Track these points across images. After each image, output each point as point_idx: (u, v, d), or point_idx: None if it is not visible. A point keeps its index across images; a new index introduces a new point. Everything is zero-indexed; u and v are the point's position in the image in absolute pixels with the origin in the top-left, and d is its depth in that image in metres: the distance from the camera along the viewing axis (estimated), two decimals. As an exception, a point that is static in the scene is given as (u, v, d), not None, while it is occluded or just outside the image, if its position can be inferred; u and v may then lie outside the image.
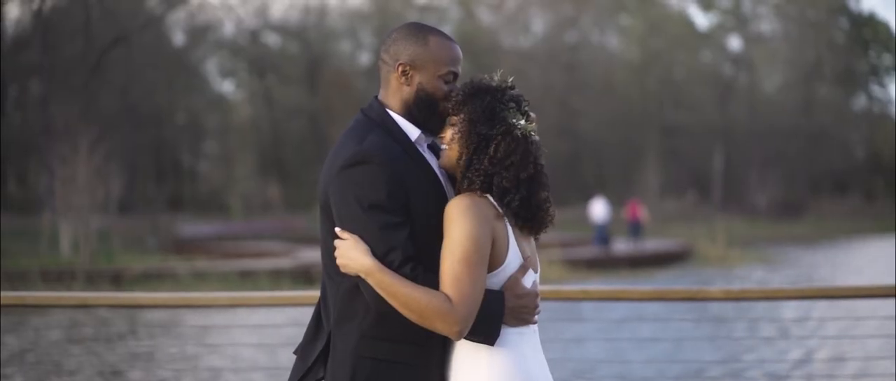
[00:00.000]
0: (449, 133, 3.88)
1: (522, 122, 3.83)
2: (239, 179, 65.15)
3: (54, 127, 42.13)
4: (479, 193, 3.78)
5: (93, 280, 26.50)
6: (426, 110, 3.93)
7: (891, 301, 6.59)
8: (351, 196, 3.75)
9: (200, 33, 66.21)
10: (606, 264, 33.74)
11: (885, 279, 25.37)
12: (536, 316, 3.88)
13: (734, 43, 79.02)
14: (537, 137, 3.88)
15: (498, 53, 69.01)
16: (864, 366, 12.76)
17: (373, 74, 58.16)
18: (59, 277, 26.97)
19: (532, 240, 3.91)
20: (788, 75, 77.85)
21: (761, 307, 18.91)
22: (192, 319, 18.85)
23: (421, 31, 3.96)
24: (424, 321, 3.69)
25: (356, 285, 3.81)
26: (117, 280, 26.87)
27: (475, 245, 3.68)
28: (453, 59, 3.95)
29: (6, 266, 28.42)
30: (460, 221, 3.70)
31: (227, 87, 73.44)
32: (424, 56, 3.92)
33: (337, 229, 3.77)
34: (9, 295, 6.31)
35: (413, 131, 3.92)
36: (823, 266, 36.29)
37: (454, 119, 3.87)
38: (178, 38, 65.84)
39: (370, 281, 3.70)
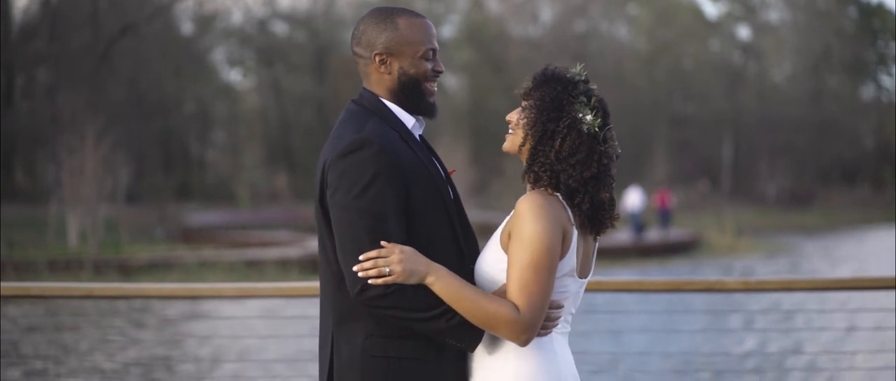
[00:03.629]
0: (515, 117, 3.79)
1: (589, 117, 3.73)
2: (247, 169, 65.12)
3: (61, 117, 42.10)
4: (548, 190, 3.69)
5: (100, 270, 26.49)
6: (413, 94, 3.83)
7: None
8: (349, 183, 3.63)
9: (208, 22, 66.13)
10: (614, 253, 33.69)
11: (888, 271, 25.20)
12: (555, 326, 3.76)
13: (743, 32, 78.89)
14: (611, 135, 3.79)
15: (506, 43, 68.90)
16: (867, 359, 12.67)
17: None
18: (67, 266, 26.98)
19: (590, 240, 3.80)
20: (797, 65, 77.68)
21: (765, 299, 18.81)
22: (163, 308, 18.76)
23: (388, 15, 3.83)
24: (489, 328, 3.61)
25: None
26: (124, 270, 26.85)
27: (546, 249, 3.59)
28: (428, 37, 3.84)
29: (14, 256, 28.43)
30: (533, 222, 3.60)
31: (234, 76, 73.44)
32: (398, 40, 3.80)
33: (383, 244, 3.61)
34: (9, 286, 6.23)
35: (408, 119, 3.83)
36: (826, 257, 36.21)
37: (524, 103, 3.78)
38: (187, 27, 65.76)
39: (436, 288, 3.60)
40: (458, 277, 3.61)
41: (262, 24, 68.19)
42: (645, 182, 57.26)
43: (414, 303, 3.61)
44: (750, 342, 15.16)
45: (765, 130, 71.33)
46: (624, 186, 43.15)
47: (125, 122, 51.06)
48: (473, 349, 3.69)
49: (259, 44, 68.53)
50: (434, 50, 3.85)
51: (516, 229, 3.62)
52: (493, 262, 3.71)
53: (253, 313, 17.70)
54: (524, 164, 3.76)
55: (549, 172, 3.68)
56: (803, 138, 73.36)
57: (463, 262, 3.80)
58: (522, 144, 3.75)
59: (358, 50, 3.86)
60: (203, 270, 26.45)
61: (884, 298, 13.59)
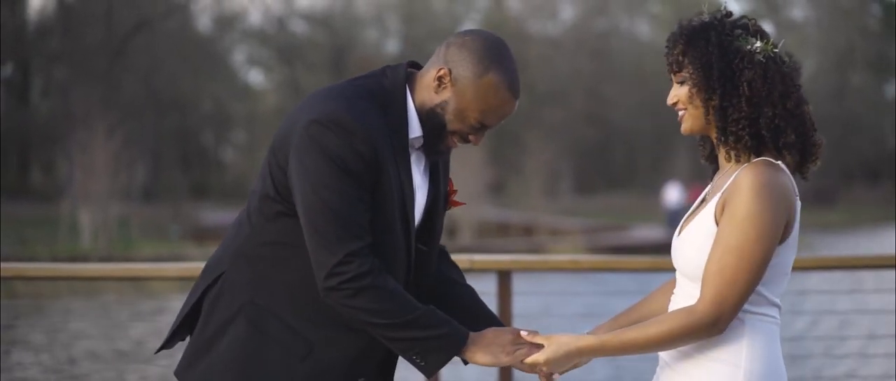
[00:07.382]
0: (683, 94, 3.35)
1: (759, 44, 3.30)
2: (265, 168, 65.03)
3: (74, 114, 42.03)
4: (770, 161, 3.20)
5: (105, 266, 26.30)
6: (433, 131, 3.36)
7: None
8: (322, 153, 3.22)
9: (227, 22, 66.16)
10: (630, 250, 33.43)
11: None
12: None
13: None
14: (786, 57, 3.33)
15: (526, 41, 68.64)
16: (866, 344, 12.37)
17: (400, 62, 57.85)
18: (70, 263, 26.76)
19: None
20: (820, 62, 77.41)
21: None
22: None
23: (490, 58, 3.34)
24: (680, 344, 3.14)
25: (282, 241, 3.29)
26: (131, 267, 26.66)
27: (760, 233, 3.07)
28: (492, 111, 3.35)
29: (25, 254, 28.28)
30: (752, 199, 3.09)
31: (253, 75, 73.44)
32: (470, 86, 3.32)
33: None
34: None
35: (415, 129, 3.36)
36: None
37: (681, 75, 3.34)
38: (205, 25, 65.80)
39: (603, 353, 3.18)
40: (620, 336, 3.14)
41: (281, 24, 68.13)
42: (665, 179, 56.93)
43: (387, 306, 3.21)
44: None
45: (787, 127, 71.05)
46: (661, 182, 43.08)
47: (140, 119, 50.99)
48: (432, 373, 3.27)
49: (278, 43, 68.50)
50: (487, 127, 3.39)
51: (732, 204, 3.12)
52: (709, 239, 3.18)
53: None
54: (716, 135, 3.27)
55: (748, 126, 3.19)
56: (827, 136, 70.52)
57: (409, 274, 3.39)
58: (707, 114, 3.27)
59: (441, 49, 3.39)
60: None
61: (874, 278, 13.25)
